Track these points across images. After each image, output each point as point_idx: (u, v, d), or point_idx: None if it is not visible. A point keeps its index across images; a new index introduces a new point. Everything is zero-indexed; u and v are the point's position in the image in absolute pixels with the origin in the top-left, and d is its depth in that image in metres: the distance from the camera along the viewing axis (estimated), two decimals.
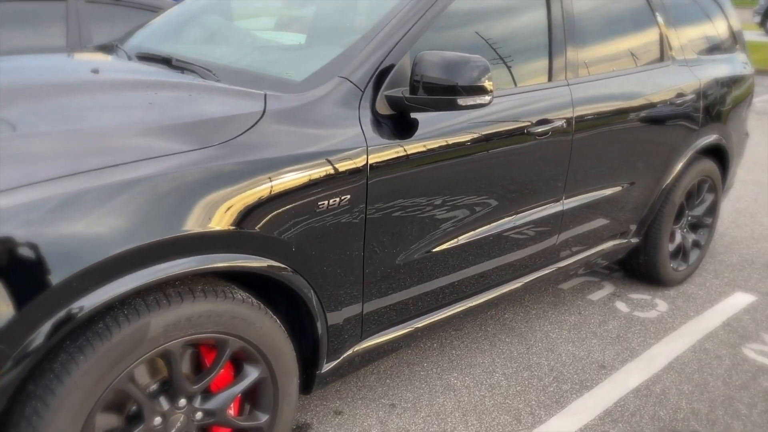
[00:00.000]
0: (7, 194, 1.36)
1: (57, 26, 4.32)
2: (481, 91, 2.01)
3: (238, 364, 1.85)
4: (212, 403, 1.78)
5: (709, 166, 3.60)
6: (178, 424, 1.73)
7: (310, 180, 1.80)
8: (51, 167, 1.45)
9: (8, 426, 1.48)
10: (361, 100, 1.99)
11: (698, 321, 3.33)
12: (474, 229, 2.41)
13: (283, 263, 1.79)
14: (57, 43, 4.26)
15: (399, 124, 2.08)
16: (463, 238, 2.38)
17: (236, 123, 1.74)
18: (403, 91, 2.02)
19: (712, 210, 3.82)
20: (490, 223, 2.48)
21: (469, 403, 2.56)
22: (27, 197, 1.37)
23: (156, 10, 4.53)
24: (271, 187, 1.72)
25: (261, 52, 2.58)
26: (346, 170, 1.88)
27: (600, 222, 3.06)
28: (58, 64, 2.23)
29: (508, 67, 2.51)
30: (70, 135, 1.55)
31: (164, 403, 1.70)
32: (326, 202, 1.84)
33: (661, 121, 3.14)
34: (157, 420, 1.68)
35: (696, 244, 3.80)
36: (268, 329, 1.80)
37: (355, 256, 2.00)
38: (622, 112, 2.90)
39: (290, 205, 1.77)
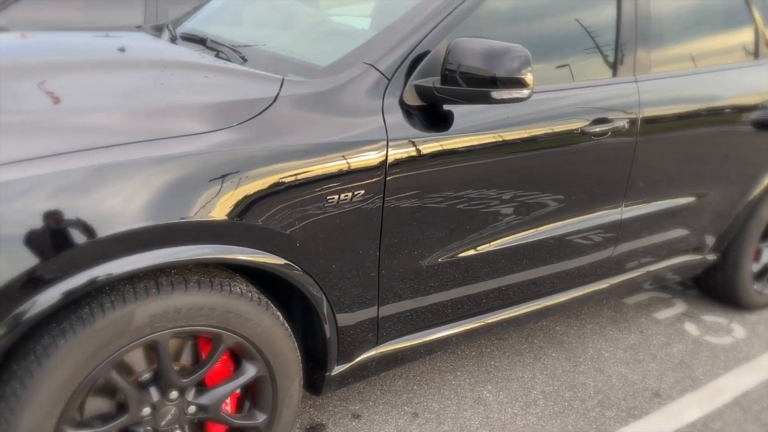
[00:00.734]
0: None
1: (138, 3, 4.48)
2: (520, 84, 1.82)
3: (238, 359, 1.78)
4: (206, 398, 1.72)
5: None
6: (169, 416, 1.67)
7: (319, 173, 1.68)
8: (41, 144, 1.41)
9: None
10: (386, 89, 1.85)
11: None
12: (510, 235, 2.21)
13: (286, 259, 1.70)
14: (135, 21, 4.39)
15: (431, 117, 1.93)
16: (497, 244, 2.19)
17: (244, 108, 1.65)
18: (434, 81, 1.86)
19: None
20: (530, 230, 2.27)
21: (498, 420, 2.38)
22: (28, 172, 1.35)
23: None
24: (275, 178, 1.62)
25: (308, 36, 2.48)
26: (362, 164, 1.75)
27: (667, 234, 2.77)
28: (91, 41, 2.23)
29: (564, 59, 2.29)
30: (63, 113, 1.52)
31: (155, 394, 1.65)
32: (336, 197, 1.73)
33: (751, 125, 2.79)
34: (146, 410, 1.63)
35: None
36: (266, 326, 1.72)
37: (370, 256, 1.88)
38: (700, 114, 2.60)
39: (296, 199, 1.66)
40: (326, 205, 1.72)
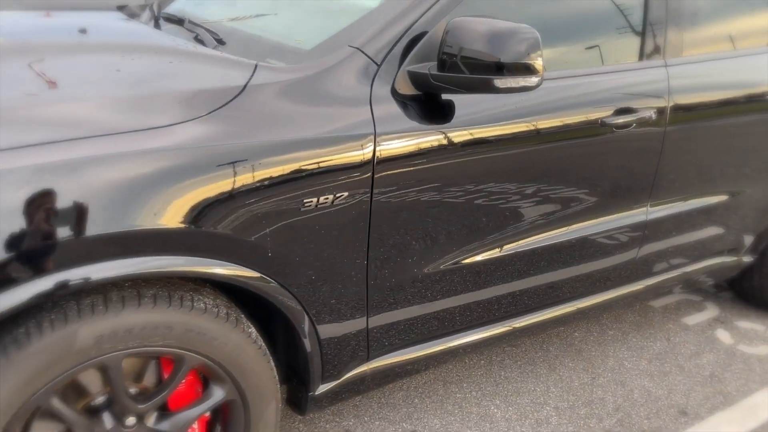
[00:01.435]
0: None
1: None
2: (527, 70, 1.58)
3: (207, 381, 1.59)
4: (168, 424, 1.54)
5: None
6: None
7: (293, 172, 1.47)
8: None
9: None
10: (375, 76, 1.63)
11: None
12: (523, 239, 1.99)
13: (258, 271, 1.50)
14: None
15: (428, 107, 1.70)
16: (507, 249, 1.97)
17: (206, 98, 1.44)
18: (430, 68, 1.64)
19: None
20: (545, 233, 2.04)
21: None
22: None
23: None
24: (241, 179, 1.41)
25: (304, 15, 2.26)
26: (344, 162, 1.54)
27: (699, 235, 2.50)
28: (49, 22, 2.05)
29: (582, 42, 2.03)
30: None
31: (108, 420, 1.47)
32: (314, 200, 1.52)
33: None
34: None
35: None
36: (235, 345, 1.52)
37: (356, 265, 1.67)
38: (738, 102, 2.32)
39: (267, 202, 1.46)
40: (303, 209, 1.51)
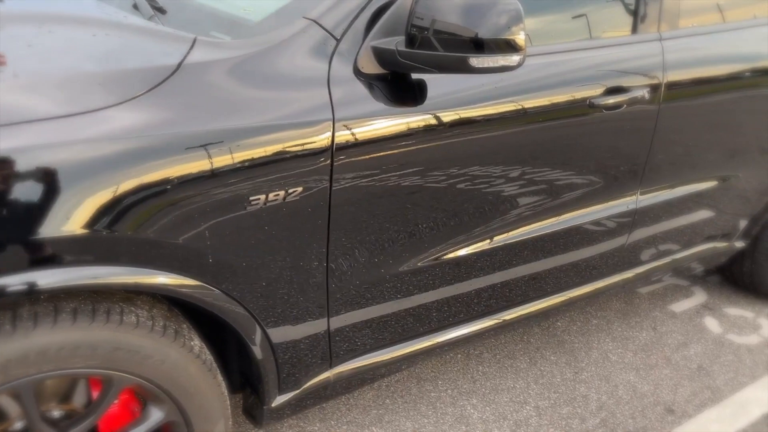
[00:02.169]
0: None
1: None
2: (508, 47, 1.38)
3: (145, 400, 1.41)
4: None
5: None
6: None
7: (235, 167, 1.27)
8: None
9: None
10: (334, 53, 1.42)
11: None
12: (503, 233, 1.81)
13: (199, 280, 1.31)
14: None
15: (398, 88, 1.50)
16: (487, 243, 1.79)
17: (133, 79, 1.23)
18: (397, 43, 1.43)
19: None
20: (530, 224, 1.87)
21: None
22: None
23: None
24: (173, 174, 1.21)
25: None
26: (297, 153, 1.34)
27: (692, 219, 2.35)
28: None
29: (569, 14, 1.83)
30: None
31: None
32: (262, 197, 1.32)
33: None
34: None
35: None
36: (174, 362, 1.34)
37: (315, 267, 1.48)
38: (741, 78, 2.13)
39: (205, 202, 1.26)
40: (249, 207, 1.31)
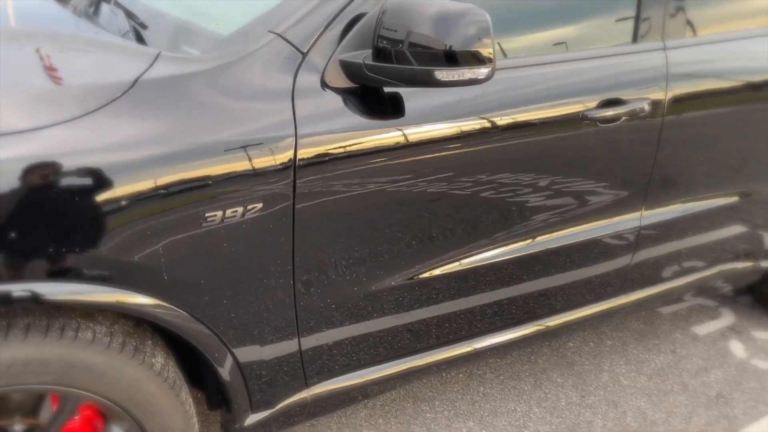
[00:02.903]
0: None
1: None
2: (475, 60, 1.33)
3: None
4: None
5: None
6: None
7: (188, 183, 1.26)
8: None
9: None
10: (299, 67, 1.39)
11: None
12: (486, 252, 1.74)
13: (156, 298, 1.29)
14: None
15: (371, 102, 1.47)
16: (470, 263, 1.73)
17: (87, 95, 1.23)
18: (364, 57, 1.39)
19: None
20: (519, 242, 1.79)
21: None
22: None
23: None
24: (126, 191, 1.20)
25: None
26: (256, 169, 1.31)
27: (709, 238, 2.21)
28: None
29: (564, 22, 1.75)
30: None
31: None
32: (219, 214, 1.30)
33: None
34: None
35: None
36: (131, 381, 1.33)
37: (280, 284, 1.45)
38: (755, 89, 2.01)
39: (160, 219, 1.24)
40: (205, 224, 1.30)
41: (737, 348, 2.59)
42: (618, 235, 1.97)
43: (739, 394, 2.32)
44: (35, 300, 1.16)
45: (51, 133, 1.16)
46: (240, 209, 1.32)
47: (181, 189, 1.25)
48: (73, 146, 1.17)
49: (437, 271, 1.67)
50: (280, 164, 1.33)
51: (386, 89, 1.47)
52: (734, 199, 2.17)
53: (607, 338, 2.61)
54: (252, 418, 1.59)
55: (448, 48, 1.32)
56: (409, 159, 1.50)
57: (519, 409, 2.20)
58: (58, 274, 1.19)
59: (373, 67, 1.37)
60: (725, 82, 1.94)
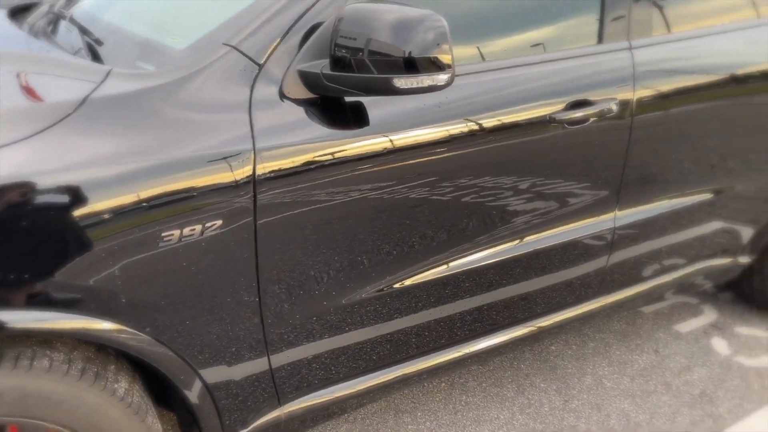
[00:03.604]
0: None
1: None
2: (434, 66, 1.30)
3: None
4: None
5: None
6: None
7: (142, 203, 1.22)
8: None
9: None
10: (256, 79, 1.36)
11: None
12: (455, 260, 1.71)
13: (109, 321, 1.25)
14: None
15: (333, 112, 1.44)
16: (444, 270, 1.71)
17: (33, 116, 1.19)
18: (322, 66, 1.37)
19: None
20: (489, 248, 1.77)
21: None
22: None
23: None
24: (77, 213, 1.17)
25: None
26: (213, 186, 1.28)
27: (682, 237, 2.20)
28: None
29: (527, 23, 1.74)
30: None
31: None
32: (176, 233, 1.27)
33: None
34: None
35: None
36: (91, 408, 1.29)
37: (246, 302, 1.42)
38: (723, 86, 2.00)
39: (110, 241, 1.21)
40: (162, 243, 1.26)
41: (720, 345, 2.58)
42: (593, 237, 1.95)
43: (723, 392, 2.31)
44: None
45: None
46: (198, 227, 1.29)
47: (135, 208, 1.21)
48: (21, 168, 1.13)
49: (408, 282, 1.64)
50: (239, 179, 1.30)
51: (348, 99, 1.45)
52: (709, 195, 2.16)
53: (590, 340, 2.59)
54: None
55: (407, 55, 1.30)
56: (374, 169, 1.47)
57: (502, 417, 2.17)
58: (18, 301, 1.15)
59: (331, 76, 1.35)
60: (692, 80, 1.93)
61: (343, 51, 1.33)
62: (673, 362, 2.46)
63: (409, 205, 1.55)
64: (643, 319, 2.74)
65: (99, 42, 1.61)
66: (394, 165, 1.50)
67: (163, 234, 1.25)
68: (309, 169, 1.39)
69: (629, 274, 2.16)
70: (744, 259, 2.47)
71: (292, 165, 1.36)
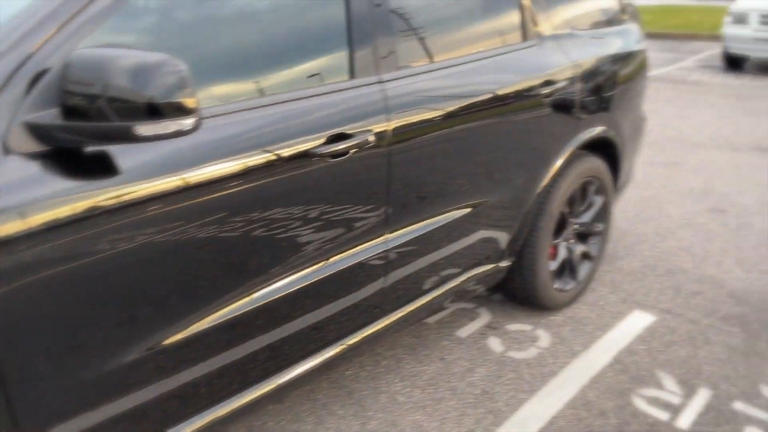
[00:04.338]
0: None
1: None
2: (179, 110, 1.26)
3: None
4: None
5: (594, 164, 2.97)
6: None
7: None
8: None
9: None
10: None
11: (585, 358, 2.71)
12: (231, 304, 1.67)
13: None
14: None
15: (75, 163, 1.32)
16: (217, 317, 1.65)
17: None
18: (53, 117, 1.25)
19: (603, 215, 3.21)
20: (265, 287, 1.75)
21: None
22: None
23: None
24: None
25: None
26: None
27: (451, 249, 2.38)
28: None
29: (279, 64, 1.76)
30: None
31: None
32: None
33: (525, 117, 2.47)
34: None
35: (586, 256, 3.19)
36: None
37: None
38: (467, 113, 2.20)
39: None
40: None
41: (495, 343, 2.82)
42: (371, 259, 2.02)
43: (500, 387, 2.53)
44: None
45: None
46: None
47: None
48: None
49: (180, 337, 1.56)
50: None
51: (90, 148, 1.34)
52: (469, 209, 2.37)
53: (383, 358, 2.68)
54: None
55: (148, 100, 1.24)
56: (126, 221, 1.38)
57: None
58: None
59: (64, 127, 1.24)
60: (442, 107, 2.10)
61: (78, 98, 1.23)
62: (457, 367, 2.64)
63: (171, 254, 1.48)
64: (428, 329, 2.91)
65: None
66: (149, 214, 1.42)
67: None
68: (46, 229, 1.26)
69: (410, 289, 2.28)
70: (504, 263, 2.74)
71: (23, 227, 1.23)
